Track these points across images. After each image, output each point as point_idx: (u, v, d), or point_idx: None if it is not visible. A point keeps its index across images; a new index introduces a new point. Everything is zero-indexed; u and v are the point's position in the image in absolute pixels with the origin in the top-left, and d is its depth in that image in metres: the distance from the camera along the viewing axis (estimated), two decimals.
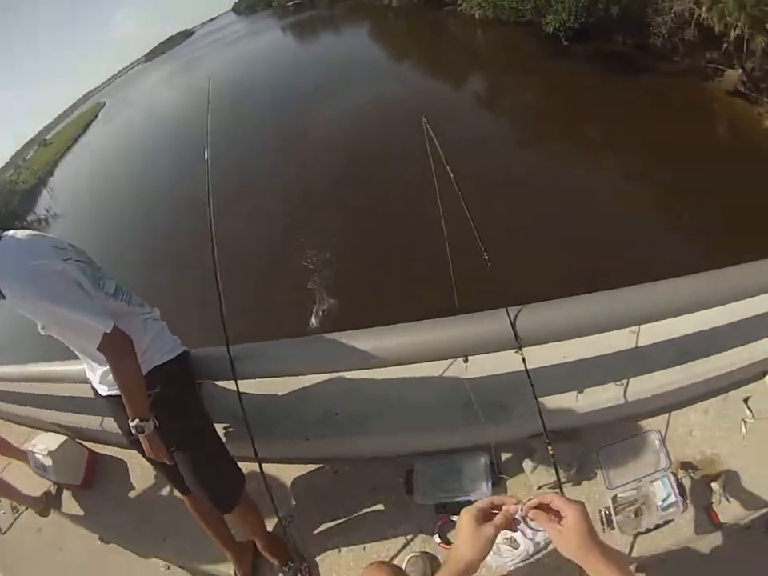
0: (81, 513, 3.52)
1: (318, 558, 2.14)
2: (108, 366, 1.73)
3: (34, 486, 3.93)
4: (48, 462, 3.33)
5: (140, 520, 2.95)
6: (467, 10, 24.17)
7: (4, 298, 1.53)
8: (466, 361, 1.79)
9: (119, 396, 1.75)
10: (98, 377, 1.84)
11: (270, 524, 2.23)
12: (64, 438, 3.41)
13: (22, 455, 3.93)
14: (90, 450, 3.49)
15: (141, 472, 3.19)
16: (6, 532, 4.72)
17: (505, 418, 1.97)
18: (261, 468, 1.91)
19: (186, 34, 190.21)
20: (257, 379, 2.35)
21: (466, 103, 17.53)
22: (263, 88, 29.17)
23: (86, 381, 2.13)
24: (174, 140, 26.63)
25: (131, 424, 1.68)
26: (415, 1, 29.30)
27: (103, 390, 1.88)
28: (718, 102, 13.01)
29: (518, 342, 1.65)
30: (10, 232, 1.58)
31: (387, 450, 2.27)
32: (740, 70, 12.46)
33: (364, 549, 2.10)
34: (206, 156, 2.02)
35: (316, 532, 2.21)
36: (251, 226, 12.79)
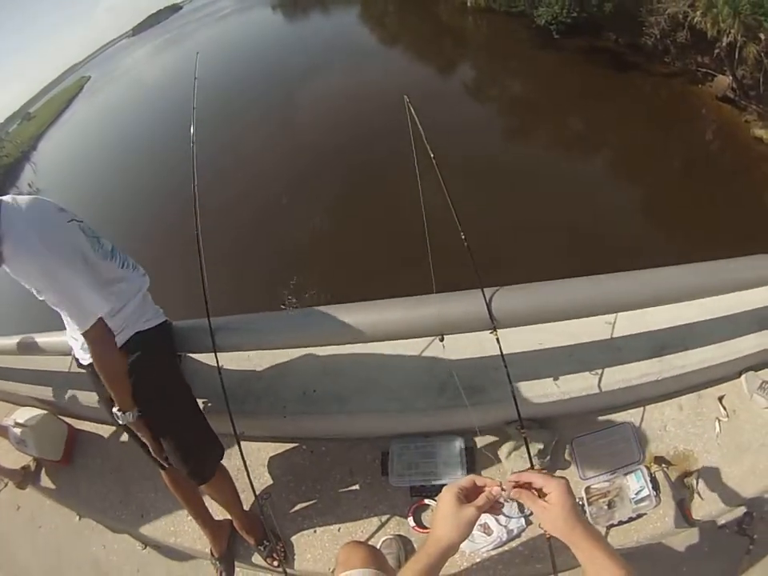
0: (60, 489, 3.48)
1: (293, 538, 2.15)
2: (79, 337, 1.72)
3: (12, 461, 3.90)
4: (27, 436, 3.29)
5: (119, 496, 2.95)
6: None
7: (2, 261, 1.51)
8: (441, 340, 1.77)
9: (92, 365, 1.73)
10: (80, 343, 1.80)
11: (247, 502, 2.23)
12: (43, 412, 3.37)
13: (1, 430, 3.88)
14: (69, 425, 3.44)
15: (120, 448, 3.16)
16: None
17: (481, 402, 1.96)
18: (239, 444, 1.89)
19: (174, 8, 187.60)
20: (237, 355, 2.36)
21: (451, 88, 17.54)
22: (250, 64, 28.75)
23: (67, 353, 2.11)
24: (160, 115, 26.34)
25: (114, 410, 1.69)
26: None
27: (84, 359, 1.85)
28: (706, 106, 13.16)
29: (494, 324, 1.65)
30: (7, 197, 1.55)
31: (364, 431, 2.27)
32: (730, 77, 12.59)
33: (339, 530, 2.11)
34: (191, 130, 1.99)
35: (292, 511, 2.22)
36: (235, 204, 12.68)
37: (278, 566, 2.09)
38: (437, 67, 20.07)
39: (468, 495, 1.01)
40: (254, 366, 2.41)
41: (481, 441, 2.13)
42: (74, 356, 1.96)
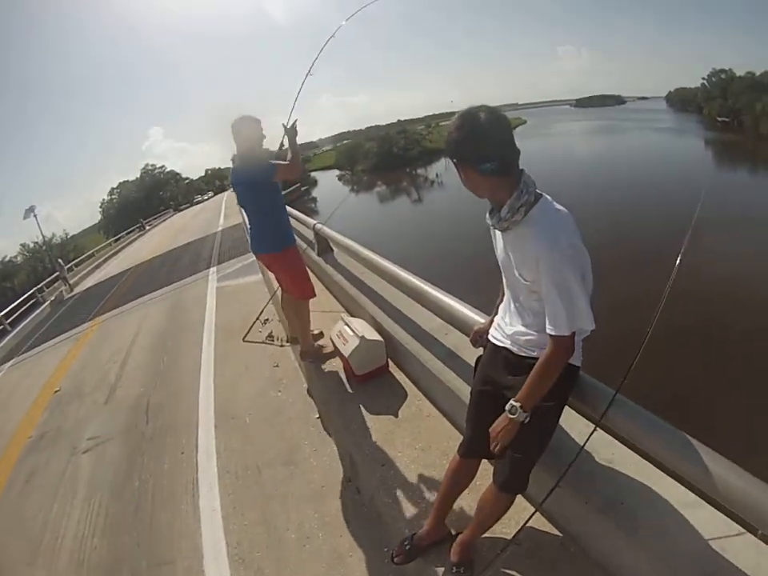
0: (327, 387, 4.11)
1: None
2: (524, 329, 2.01)
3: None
4: (352, 340, 3.90)
5: (380, 438, 3.31)
6: None
7: (508, 228, 1.82)
8: None
9: (513, 355, 2.07)
10: (510, 331, 2.10)
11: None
12: (380, 339, 3.95)
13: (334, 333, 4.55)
14: (387, 362, 3.99)
15: (413, 411, 3.51)
16: (245, 340, 6.01)
17: None
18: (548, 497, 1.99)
19: (618, 100, 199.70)
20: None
21: None
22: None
23: (471, 326, 2.59)
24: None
25: (512, 402, 1.89)
26: None
27: (499, 342, 2.18)
28: None
29: None
30: (548, 197, 1.81)
31: None
32: None
33: None
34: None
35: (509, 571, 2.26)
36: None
37: None
38: None
39: None
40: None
41: None
42: (495, 341, 2.22)
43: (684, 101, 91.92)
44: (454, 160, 1.79)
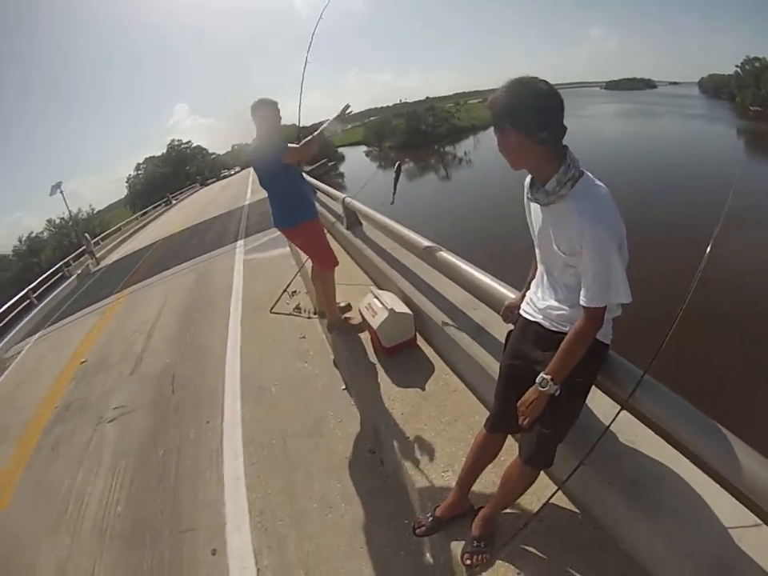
0: (351, 356, 4.15)
1: (502, 561, 2.22)
2: (556, 303, 2.01)
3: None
4: (381, 313, 3.90)
5: (404, 409, 3.33)
6: None
7: (551, 202, 1.79)
8: None
9: (544, 329, 2.06)
10: (542, 306, 2.09)
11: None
12: (410, 313, 3.94)
13: (359, 301, 4.67)
14: (416, 335, 4.00)
15: (440, 385, 3.51)
16: (273, 311, 6.00)
17: None
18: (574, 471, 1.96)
19: (649, 84, 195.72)
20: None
21: None
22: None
23: (498, 304, 2.59)
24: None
25: (543, 375, 1.90)
26: None
27: (530, 317, 2.17)
28: None
29: None
30: (589, 173, 1.81)
31: None
32: None
33: None
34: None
35: (531, 546, 2.25)
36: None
37: (469, 565, 2.22)
38: None
39: None
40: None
41: None
42: (527, 316, 2.20)
43: (717, 87, 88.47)
44: (507, 124, 1.73)
